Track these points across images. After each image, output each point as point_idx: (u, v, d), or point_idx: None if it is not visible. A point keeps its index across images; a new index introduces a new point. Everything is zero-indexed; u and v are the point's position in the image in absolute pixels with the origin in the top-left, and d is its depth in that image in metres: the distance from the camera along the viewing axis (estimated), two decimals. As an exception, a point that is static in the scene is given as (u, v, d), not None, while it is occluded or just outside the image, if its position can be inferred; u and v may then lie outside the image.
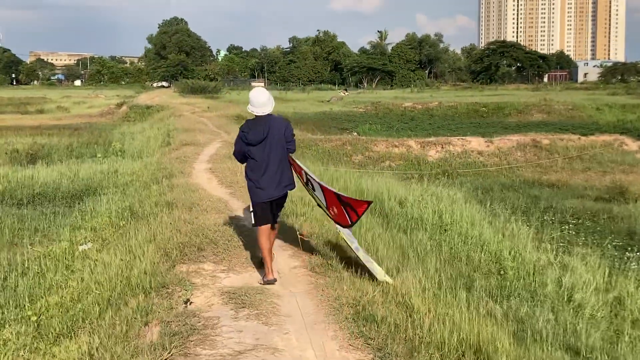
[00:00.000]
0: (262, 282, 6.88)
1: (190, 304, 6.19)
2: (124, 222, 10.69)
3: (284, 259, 7.69)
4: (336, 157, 22.27)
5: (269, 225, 7.18)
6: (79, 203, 14.18)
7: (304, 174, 7.57)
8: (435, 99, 65.81)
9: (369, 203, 7.23)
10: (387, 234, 10.36)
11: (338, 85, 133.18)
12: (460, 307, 6.65)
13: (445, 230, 11.65)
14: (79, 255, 9.66)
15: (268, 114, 7.09)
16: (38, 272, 8.97)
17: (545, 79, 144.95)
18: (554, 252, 11.45)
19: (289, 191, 7.33)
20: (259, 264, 7.34)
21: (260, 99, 7.07)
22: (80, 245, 10.16)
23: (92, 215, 12.40)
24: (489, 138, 25.29)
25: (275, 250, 7.97)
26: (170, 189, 12.48)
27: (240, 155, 7.27)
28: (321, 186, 7.40)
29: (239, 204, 10.66)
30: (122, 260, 7.94)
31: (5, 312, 7.52)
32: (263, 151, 6.99)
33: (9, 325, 7.11)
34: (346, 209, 7.17)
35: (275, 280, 6.89)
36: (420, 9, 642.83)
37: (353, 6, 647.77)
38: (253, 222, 7.20)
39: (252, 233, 8.52)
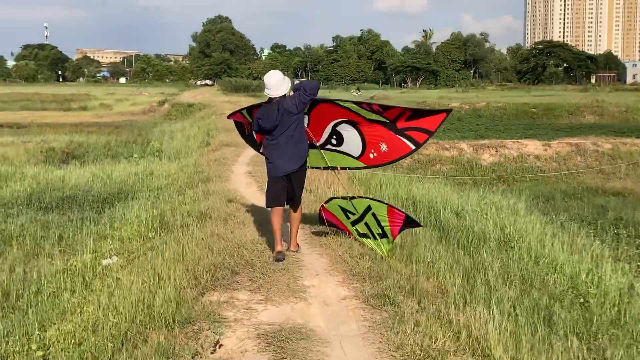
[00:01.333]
0: (273, 258, 7.12)
1: (219, 347, 5.08)
2: (153, 234, 9.67)
3: (331, 286, 6.52)
4: (383, 161, 20.89)
5: (280, 208, 7.31)
6: (109, 208, 13.25)
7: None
8: (482, 99, 64.07)
9: (447, 112, 7.01)
10: (447, 252, 9.12)
11: (381, 85, 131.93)
12: (548, 353, 5.43)
13: (512, 247, 10.33)
14: (102, 270, 8.65)
15: (282, 97, 7.05)
16: (54, 292, 7.98)
17: (593, 80, 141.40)
18: (633, 273, 10.10)
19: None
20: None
21: (273, 80, 7.06)
22: (105, 259, 9.16)
23: (121, 223, 11.43)
24: (546, 141, 23.70)
25: (321, 274, 6.86)
26: (205, 195, 11.44)
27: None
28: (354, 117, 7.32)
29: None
30: (145, 282, 6.87)
31: (11, 342, 6.50)
32: (277, 135, 7.06)
33: (12, 361, 6.11)
34: (404, 132, 7.01)
35: (282, 253, 7.16)
36: (465, 9, 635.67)
37: (397, 6, 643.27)
38: (265, 202, 7.43)
39: (295, 254, 7.41)
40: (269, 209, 7.40)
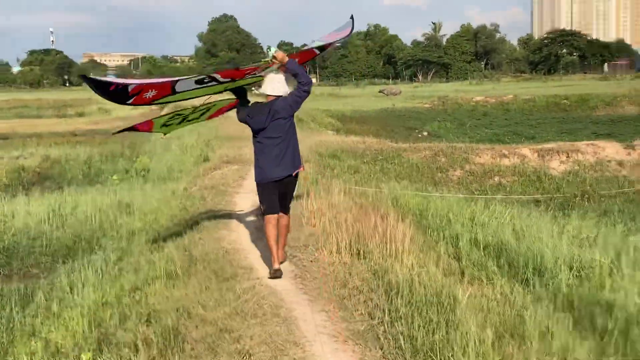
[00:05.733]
0: (269, 276, 6.58)
1: None
2: (89, 355, 5.45)
3: None
4: (428, 173, 16.59)
5: (276, 215, 6.82)
6: (57, 269, 9.14)
7: None
8: (504, 92, 59.93)
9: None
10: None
11: (392, 80, 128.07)
12: None
13: None
14: None
15: (277, 97, 6.74)
16: None
17: (605, 68, 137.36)
18: None
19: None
20: None
21: (274, 79, 6.77)
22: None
23: (59, 307, 7.26)
24: (628, 142, 19.24)
25: None
26: (187, 264, 7.22)
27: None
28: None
29: (314, 309, 5.31)
30: None
31: None
32: (265, 136, 6.73)
33: None
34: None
35: (279, 271, 6.60)
36: (471, 1, 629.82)
37: (403, 0, 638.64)
38: (262, 210, 6.99)
39: None
40: (265, 216, 6.86)
